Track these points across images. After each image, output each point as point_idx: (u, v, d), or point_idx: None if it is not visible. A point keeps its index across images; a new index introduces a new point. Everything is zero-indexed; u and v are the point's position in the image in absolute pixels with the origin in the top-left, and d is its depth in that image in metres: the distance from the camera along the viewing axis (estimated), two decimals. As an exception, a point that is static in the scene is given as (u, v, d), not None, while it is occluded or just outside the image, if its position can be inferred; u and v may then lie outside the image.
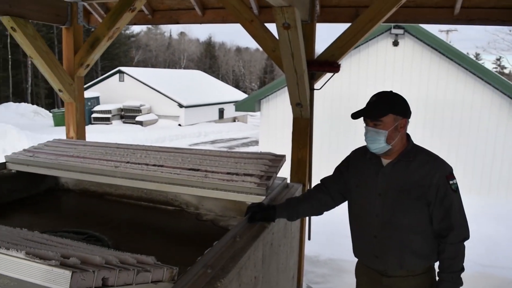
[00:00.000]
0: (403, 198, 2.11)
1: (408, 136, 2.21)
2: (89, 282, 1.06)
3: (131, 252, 1.48)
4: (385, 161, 2.20)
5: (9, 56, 33.63)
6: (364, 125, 2.15)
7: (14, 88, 34.95)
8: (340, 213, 4.40)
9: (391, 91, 2.18)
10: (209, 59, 64.88)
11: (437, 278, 2.19)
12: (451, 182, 2.09)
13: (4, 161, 3.50)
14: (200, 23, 4.79)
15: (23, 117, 25.22)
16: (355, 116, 2.15)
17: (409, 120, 2.17)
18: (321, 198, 2.42)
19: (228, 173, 2.72)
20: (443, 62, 9.56)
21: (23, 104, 28.14)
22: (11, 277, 1.61)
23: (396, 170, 2.15)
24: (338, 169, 2.44)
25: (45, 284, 1.03)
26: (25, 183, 3.54)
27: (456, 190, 2.11)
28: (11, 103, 27.60)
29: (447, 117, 9.62)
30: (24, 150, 3.60)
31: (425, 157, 2.16)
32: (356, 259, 2.48)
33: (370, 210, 2.21)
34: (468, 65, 9.38)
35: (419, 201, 2.10)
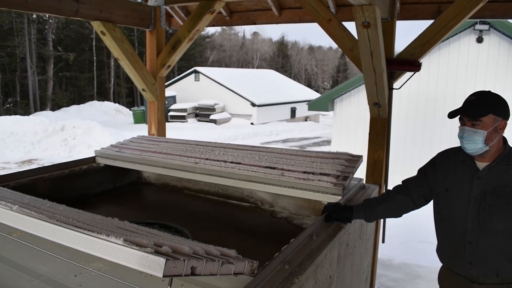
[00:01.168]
0: (502, 203, 2.02)
1: (504, 139, 2.11)
2: (179, 269, 1.12)
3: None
4: (480, 164, 2.11)
5: (94, 58, 35.88)
6: (459, 125, 2.07)
7: (98, 87, 37.26)
8: (416, 218, 4.27)
9: (490, 91, 2.08)
10: (282, 58, 65.13)
11: None
12: None
13: (93, 155, 3.76)
14: (277, 23, 4.84)
15: (106, 114, 26.80)
16: (452, 115, 2.07)
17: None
18: (401, 200, 2.36)
19: (304, 172, 2.73)
20: (533, 59, 8.92)
21: (106, 102, 29.90)
22: (105, 261, 1.74)
23: (494, 174, 2.06)
24: (423, 171, 2.36)
25: (140, 269, 1.11)
26: (111, 176, 3.79)
27: None
28: (95, 102, 29.43)
29: (536, 119, 8.96)
30: (111, 145, 3.85)
31: None
32: (435, 266, 2.39)
33: (464, 215, 2.11)
34: (562, 62, 8.67)
35: None
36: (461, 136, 2.05)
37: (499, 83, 9.09)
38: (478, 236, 2.08)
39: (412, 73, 3.62)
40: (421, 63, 3.54)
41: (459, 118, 2.07)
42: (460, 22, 3.47)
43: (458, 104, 2.12)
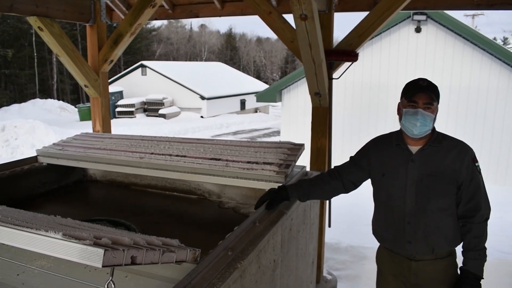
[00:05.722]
0: (437, 183, 2.17)
1: None
2: (119, 259, 1.16)
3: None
4: (413, 148, 2.23)
5: (35, 54, 34.40)
6: (408, 108, 2.14)
7: (41, 85, 35.79)
8: (361, 202, 4.45)
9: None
10: (230, 51, 65.00)
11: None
12: (476, 164, 2.19)
13: (36, 154, 3.66)
14: (220, 16, 4.87)
15: (50, 112, 25.82)
16: (418, 90, 2.13)
17: None
18: (334, 185, 2.46)
19: (248, 162, 2.80)
20: (467, 48, 9.40)
21: (49, 100, 28.78)
22: (48, 259, 1.74)
23: (427, 156, 2.20)
24: (355, 162, 2.46)
25: (80, 261, 1.13)
26: (55, 175, 3.70)
27: (480, 172, 2.21)
28: (38, 100, 28.25)
29: (471, 105, 9.47)
30: (54, 144, 3.76)
31: (452, 141, 2.23)
32: (375, 246, 2.53)
33: (402, 198, 2.23)
34: (494, 50, 9.19)
35: (451, 184, 2.17)
36: (416, 118, 2.10)
37: (437, 71, 9.55)
38: (417, 216, 2.21)
39: (350, 63, 3.76)
40: (358, 53, 3.69)
41: (409, 101, 2.14)
42: (394, 14, 3.63)
43: (400, 92, 2.24)
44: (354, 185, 2.47)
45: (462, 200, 2.19)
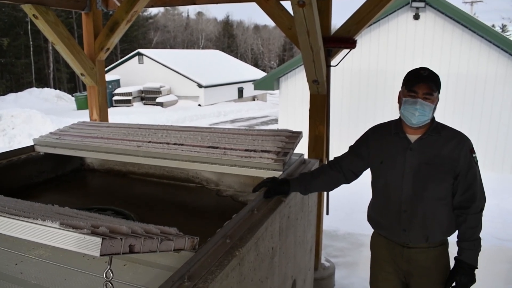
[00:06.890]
0: (434, 172, 2.18)
1: None
2: (117, 248, 1.15)
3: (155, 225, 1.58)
4: (412, 137, 2.24)
5: (31, 43, 34.14)
6: (407, 97, 2.14)
7: (37, 73, 35.57)
8: (359, 190, 4.46)
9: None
10: (227, 38, 64.65)
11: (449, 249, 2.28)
12: (473, 155, 2.20)
13: (33, 144, 3.64)
14: (217, 3, 4.81)
15: (47, 101, 25.71)
16: (419, 80, 2.13)
17: None
18: (334, 176, 2.47)
19: (246, 150, 2.79)
20: (466, 35, 9.37)
21: (46, 89, 28.62)
22: (46, 248, 1.74)
23: (426, 145, 2.20)
24: (353, 148, 2.48)
25: (78, 250, 1.13)
26: (52, 164, 3.69)
27: (477, 163, 2.22)
28: (34, 89, 28.10)
29: (469, 92, 9.46)
30: (51, 133, 3.74)
31: (451, 132, 2.24)
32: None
33: (399, 186, 2.25)
34: (492, 37, 9.17)
35: (449, 174, 2.17)
36: (415, 108, 2.11)
37: (435, 58, 9.52)
38: (413, 205, 2.23)
39: (348, 50, 3.73)
40: (356, 41, 3.66)
41: (409, 91, 2.14)
42: (392, 0, 3.60)
43: (399, 79, 2.24)
44: (355, 174, 2.48)
45: (459, 190, 2.20)
